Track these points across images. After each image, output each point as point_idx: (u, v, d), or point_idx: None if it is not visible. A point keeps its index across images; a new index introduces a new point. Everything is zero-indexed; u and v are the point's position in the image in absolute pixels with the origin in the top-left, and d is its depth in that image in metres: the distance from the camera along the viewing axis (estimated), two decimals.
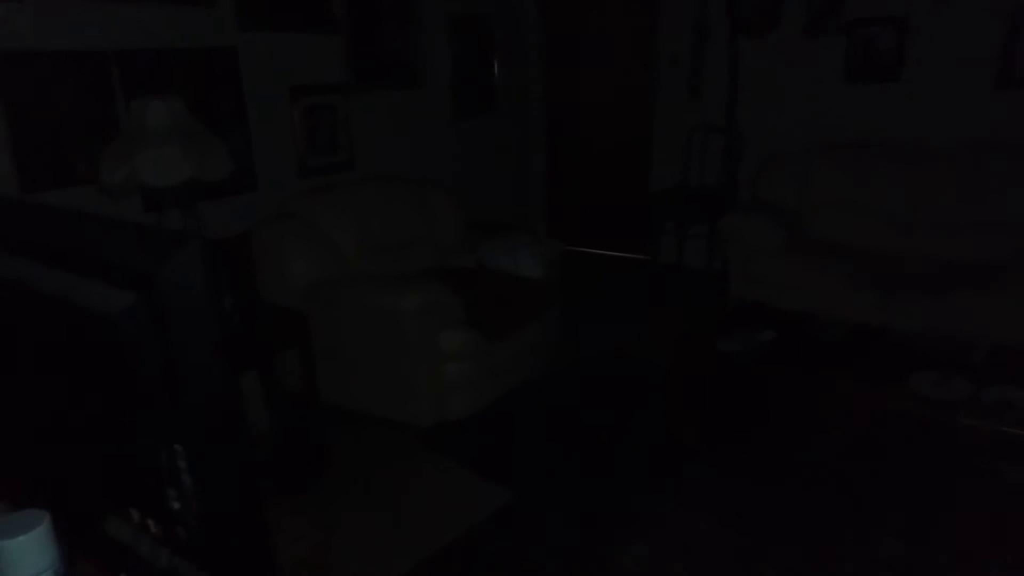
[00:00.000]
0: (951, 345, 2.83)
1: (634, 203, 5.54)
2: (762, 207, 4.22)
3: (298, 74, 3.71)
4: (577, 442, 3.08)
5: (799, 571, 2.27)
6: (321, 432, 3.01)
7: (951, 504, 2.56)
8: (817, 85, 4.49)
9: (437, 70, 4.59)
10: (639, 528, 2.49)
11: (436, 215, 3.96)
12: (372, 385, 3.20)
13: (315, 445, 2.95)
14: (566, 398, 3.49)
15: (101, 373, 0.88)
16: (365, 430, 3.20)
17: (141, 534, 0.89)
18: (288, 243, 3.28)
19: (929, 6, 4.03)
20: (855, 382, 2.65)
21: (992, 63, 3.92)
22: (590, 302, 4.74)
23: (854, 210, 4.07)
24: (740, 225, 4.03)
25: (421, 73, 4.45)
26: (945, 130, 4.05)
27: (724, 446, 3.00)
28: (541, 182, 5.92)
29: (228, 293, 2.74)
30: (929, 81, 4.12)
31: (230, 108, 3.40)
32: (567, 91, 5.72)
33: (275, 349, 3.06)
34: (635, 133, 5.46)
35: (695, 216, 4.92)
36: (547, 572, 2.31)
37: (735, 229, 4.03)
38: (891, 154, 4.02)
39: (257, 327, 2.92)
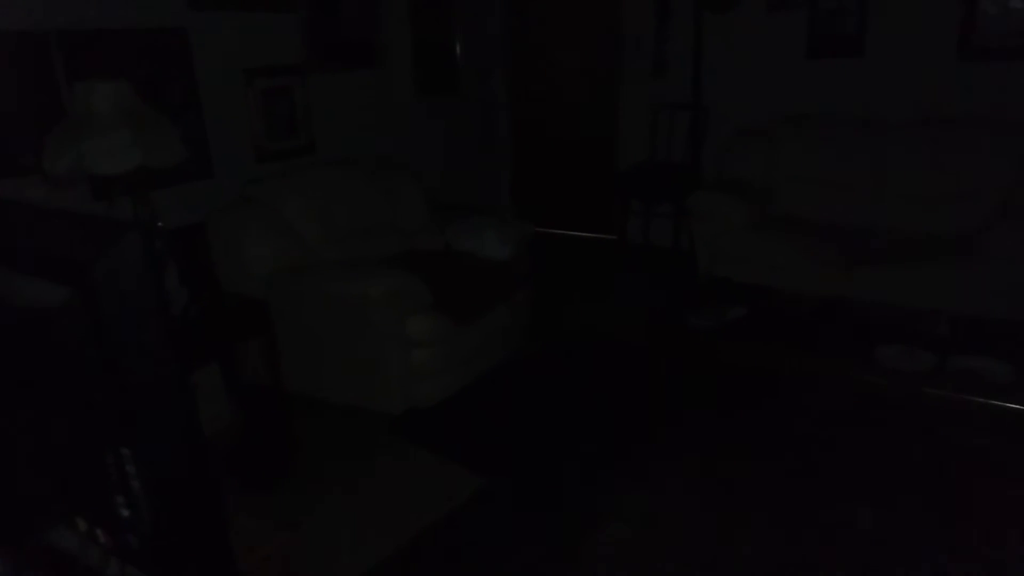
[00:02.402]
0: (917, 317, 2.86)
1: (601, 182, 5.52)
2: (729, 183, 4.22)
3: (253, 55, 3.59)
4: (549, 425, 3.06)
5: (775, 545, 2.28)
6: (287, 424, 2.94)
7: (919, 474, 2.60)
8: (781, 60, 4.49)
9: (398, 50, 4.49)
10: (614, 509, 2.49)
11: (400, 198, 3.89)
12: (339, 374, 3.13)
13: (281, 437, 2.88)
14: (537, 381, 3.46)
15: (38, 373, 0.83)
16: (333, 420, 3.13)
17: (89, 543, 0.85)
18: (248, 230, 3.19)
19: None
20: (823, 355, 2.67)
21: (953, 35, 3.95)
22: (559, 283, 4.71)
23: (820, 184, 4.10)
24: (707, 202, 4.02)
25: (381, 53, 4.35)
26: (908, 103, 4.09)
27: (696, 423, 3.00)
28: (506, 163, 5.86)
29: (185, 283, 2.65)
30: (891, 55, 4.15)
31: (182, 91, 3.28)
32: (531, 71, 5.65)
33: (237, 340, 2.98)
34: (601, 111, 5.42)
35: (662, 194, 4.91)
36: (522, 558, 2.29)
37: (702, 206, 4.03)
38: (855, 128, 4.05)
39: (217, 318, 2.83)
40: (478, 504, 2.56)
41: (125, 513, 0.76)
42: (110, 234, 0.72)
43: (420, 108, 4.77)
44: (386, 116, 4.48)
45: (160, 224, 2.60)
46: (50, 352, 0.79)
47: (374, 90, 4.36)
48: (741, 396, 3.19)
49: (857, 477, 2.60)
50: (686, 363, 3.25)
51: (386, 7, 4.31)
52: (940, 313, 2.87)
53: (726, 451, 2.80)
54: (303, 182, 3.49)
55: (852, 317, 2.98)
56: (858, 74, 4.27)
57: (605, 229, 5.60)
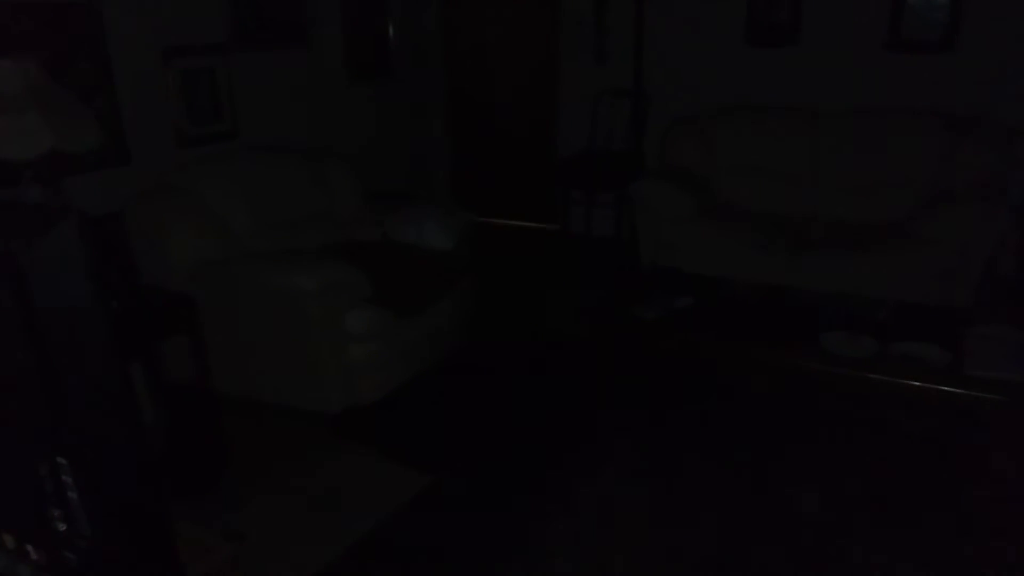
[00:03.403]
0: (858, 304, 2.91)
1: (541, 171, 5.45)
2: (670, 172, 4.22)
3: (173, 32, 3.34)
4: (495, 419, 2.99)
5: (722, 533, 2.28)
6: (218, 425, 2.77)
7: (863, 458, 2.64)
8: (721, 48, 4.51)
9: (327, 31, 4.29)
10: (561, 503, 2.44)
11: (334, 187, 3.72)
12: (274, 372, 2.97)
13: (212, 440, 2.71)
14: (481, 374, 3.38)
15: None
16: (268, 421, 2.98)
17: (17, 562, 0.76)
18: (170, 220, 2.98)
19: None
20: (769, 343, 2.68)
21: (882, 27, 4.05)
22: (502, 274, 4.64)
23: (760, 173, 4.14)
24: (649, 191, 4.01)
25: (310, 33, 4.14)
26: (841, 92, 4.17)
27: (643, 413, 2.98)
28: (444, 151, 5.73)
29: (103, 277, 2.45)
30: (825, 45, 4.22)
31: (93, 72, 3.02)
32: (468, 56, 5.53)
33: (160, 337, 2.79)
34: (540, 99, 5.35)
35: (603, 183, 4.88)
36: (471, 556, 2.22)
37: (644, 195, 4.02)
38: (792, 117, 4.10)
39: (139, 314, 2.64)
40: (424, 503, 2.47)
41: (61, 527, 0.70)
42: (42, 221, 0.63)
43: (352, 93, 4.59)
44: (316, 100, 4.29)
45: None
46: None
47: (303, 73, 4.16)
48: (688, 385, 3.18)
49: (805, 464, 2.62)
50: (632, 354, 3.22)
51: None
52: (881, 300, 2.93)
53: (674, 439, 2.79)
54: (230, 169, 3.29)
55: (795, 305, 3.02)
56: (794, 63, 4.33)
57: (547, 219, 5.54)
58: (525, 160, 5.61)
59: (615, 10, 4.73)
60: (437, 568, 2.19)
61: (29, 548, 0.76)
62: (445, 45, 5.45)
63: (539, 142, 5.44)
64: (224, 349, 2.94)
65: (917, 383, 2.39)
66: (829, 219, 3.90)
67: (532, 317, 4.01)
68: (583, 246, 5.11)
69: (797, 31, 4.28)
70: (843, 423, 2.84)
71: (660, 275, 3.38)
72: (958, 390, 2.32)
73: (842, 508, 2.37)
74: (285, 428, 2.93)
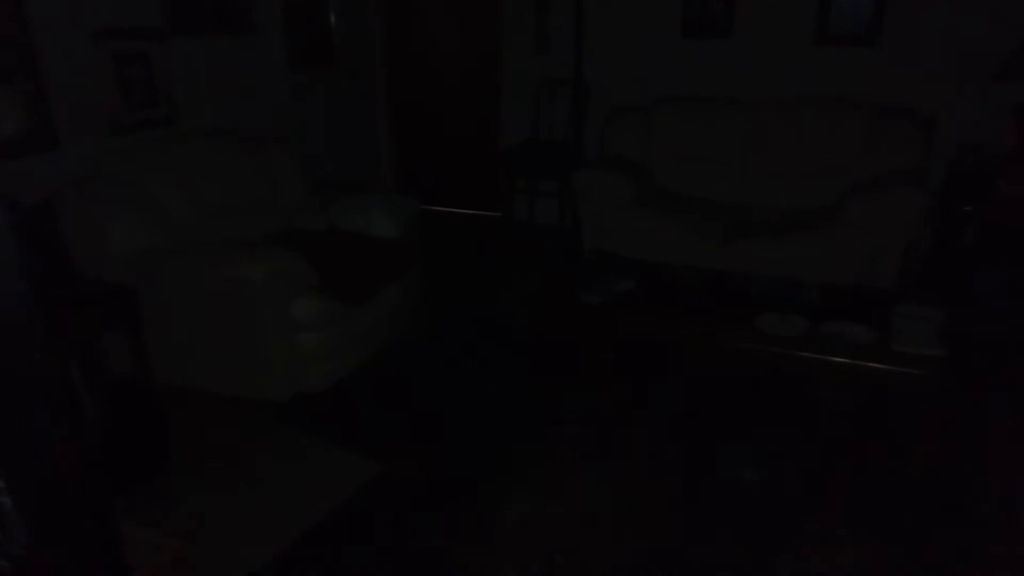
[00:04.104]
0: (790, 286, 3.04)
1: (485, 159, 5.47)
2: (611, 160, 4.30)
3: (103, 14, 3.22)
4: (446, 405, 3.01)
5: (674, 506, 2.36)
6: (160, 419, 2.71)
7: (798, 432, 2.77)
8: (658, 40, 4.61)
9: (268, 16, 4.20)
10: (516, 486, 2.48)
11: (277, 175, 3.66)
12: (218, 362, 2.92)
13: (154, 434, 2.65)
14: (431, 361, 3.39)
15: None
16: (213, 412, 2.92)
17: None
18: (106, 208, 2.88)
19: None
20: (708, 325, 2.78)
21: (810, 21, 4.22)
22: (448, 261, 4.64)
23: (697, 161, 4.26)
24: (591, 179, 4.08)
25: (250, 18, 4.05)
26: (773, 83, 4.32)
27: (590, 396, 3.06)
28: (388, 139, 5.68)
29: (35, 268, 2.35)
30: (756, 37, 4.37)
31: (17, 54, 2.89)
32: (411, 43, 5.49)
33: (98, 330, 2.70)
34: (483, 87, 5.36)
35: (546, 171, 4.94)
36: (423, 542, 2.24)
37: (586, 183, 4.09)
38: (727, 107, 4.23)
39: (75, 306, 2.55)
40: (375, 490, 2.48)
41: None
42: None
43: (294, 80, 4.51)
44: (257, 87, 4.20)
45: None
46: None
47: (243, 58, 4.07)
48: (632, 367, 3.27)
49: (744, 439, 2.74)
50: (578, 337, 3.29)
51: None
52: (811, 282, 3.08)
53: (621, 421, 2.87)
54: (168, 156, 3.20)
55: (731, 288, 3.13)
56: (728, 55, 4.47)
57: (492, 207, 5.57)
58: (469, 149, 5.62)
59: (556, 1, 4.78)
60: (391, 555, 2.20)
61: None
62: (388, 34, 5.39)
63: (483, 131, 5.46)
64: (165, 341, 2.87)
65: (846, 360, 2.53)
66: (762, 205, 4.05)
67: (479, 304, 4.04)
68: (527, 233, 5.16)
69: (730, 24, 4.41)
70: (778, 400, 2.98)
71: (603, 261, 3.45)
72: (884, 366, 2.46)
73: (781, 481, 2.49)
74: (231, 419, 2.89)
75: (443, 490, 2.48)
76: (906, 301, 2.75)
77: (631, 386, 3.13)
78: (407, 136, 5.74)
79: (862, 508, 2.34)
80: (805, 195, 3.99)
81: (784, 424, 2.83)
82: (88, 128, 3.21)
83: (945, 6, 3.89)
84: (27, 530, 0.66)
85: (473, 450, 2.70)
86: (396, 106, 5.63)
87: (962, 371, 2.86)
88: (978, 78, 3.83)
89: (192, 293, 2.84)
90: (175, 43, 3.57)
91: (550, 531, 2.27)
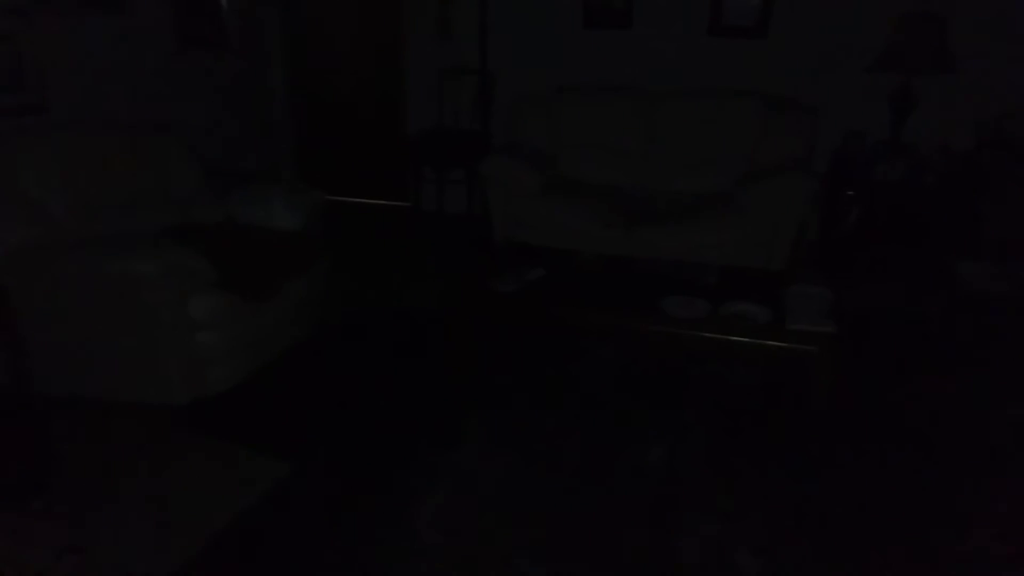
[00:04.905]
0: (692, 270, 3.15)
1: (392, 148, 5.37)
2: (518, 149, 4.32)
3: None
4: (358, 401, 2.95)
5: (586, 488, 2.40)
6: (41, 430, 2.51)
7: (703, 409, 2.88)
8: (561, 29, 4.65)
9: None
10: (432, 479, 2.46)
11: (167, 166, 3.46)
12: (110, 366, 2.74)
13: (34, 447, 2.45)
14: (341, 356, 3.31)
15: None
16: (107, 419, 2.74)
17: None
18: None
19: None
20: (615, 309, 2.84)
21: (705, 14, 4.36)
22: (356, 253, 4.54)
23: (601, 149, 4.34)
24: (498, 168, 4.08)
25: None
26: (672, 73, 4.45)
27: (503, 383, 3.07)
28: (289, 128, 5.48)
29: None
30: (655, 29, 4.48)
31: None
32: (311, 28, 5.31)
33: None
34: (387, 75, 5.25)
35: (453, 160, 4.90)
36: (334, 542, 2.19)
37: (494, 172, 4.08)
38: (629, 96, 4.33)
39: None
40: (286, 492, 2.40)
41: None
42: None
43: (184, 64, 4.27)
44: (141, 71, 3.95)
45: None
46: None
47: (123, 39, 3.81)
48: (543, 353, 3.31)
49: (650, 421, 2.82)
50: (490, 326, 3.29)
51: None
52: (711, 265, 3.19)
53: (533, 406, 2.90)
54: (41, 146, 2.96)
55: (637, 272, 3.21)
56: (628, 45, 4.56)
57: (400, 196, 5.48)
58: (374, 138, 5.50)
59: None
60: (302, 557, 2.14)
61: None
62: (285, 16, 5.19)
63: (388, 119, 5.36)
64: (48, 346, 2.67)
65: (745, 339, 2.63)
66: (665, 192, 4.17)
67: (389, 295, 3.97)
68: (437, 223, 5.12)
69: (629, 16, 4.50)
70: (684, 379, 3.09)
71: (513, 249, 3.46)
72: (781, 343, 2.58)
73: (687, 458, 2.58)
74: (126, 426, 2.72)
75: (356, 488, 2.43)
76: (798, 281, 2.89)
77: (542, 372, 3.16)
78: (309, 124, 5.56)
79: (765, 481, 2.46)
80: (704, 182, 4.14)
81: (689, 403, 2.93)
82: None
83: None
84: None
85: (386, 445, 2.66)
86: (296, 93, 5.45)
87: (851, 345, 3.04)
88: (858, 68, 4.07)
89: (79, 293, 2.65)
90: (43, 20, 3.30)
91: (465, 522, 2.27)
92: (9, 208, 2.71)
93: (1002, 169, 3.79)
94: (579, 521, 2.27)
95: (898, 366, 3.19)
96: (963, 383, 3.04)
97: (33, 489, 2.35)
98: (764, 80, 4.27)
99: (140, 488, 2.41)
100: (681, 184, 4.18)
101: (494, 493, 2.40)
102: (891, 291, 3.84)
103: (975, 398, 2.94)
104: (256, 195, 3.39)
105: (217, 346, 2.80)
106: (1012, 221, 3.76)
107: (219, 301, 2.76)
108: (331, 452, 2.61)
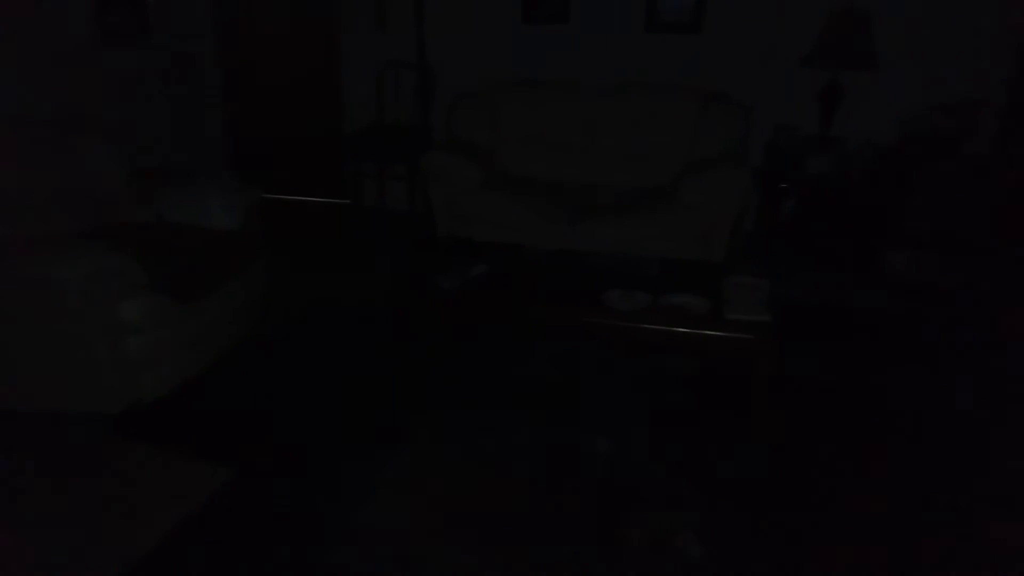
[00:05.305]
0: (632, 262, 3.19)
1: (331, 145, 5.27)
2: (459, 144, 4.29)
3: None
4: (302, 402, 2.89)
5: (533, 483, 2.41)
6: None
7: (644, 399, 2.93)
8: (500, 24, 4.64)
9: None
10: (379, 477, 2.43)
11: (89, 163, 3.30)
12: (34, 375, 2.61)
13: None
14: (284, 357, 3.24)
15: None
16: (32, 432, 2.61)
17: None
18: None
19: None
20: (558, 303, 2.85)
21: (641, 9, 4.41)
22: (295, 252, 4.44)
23: (542, 144, 4.35)
24: (439, 163, 4.05)
25: None
26: (610, 68, 4.50)
27: (449, 379, 3.05)
28: (221, 123, 5.32)
29: None
30: (592, 24, 4.52)
31: None
32: (242, 20, 5.16)
33: None
34: (326, 69, 5.15)
35: (393, 156, 4.84)
36: (279, 547, 2.14)
37: (435, 167, 4.05)
38: (568, 91, 4.35)
39: None
40: (228, 499, 2.33)
41: None
42: None
43: (107, 57, 4.09)
44: (56, 64, 3.76)
45: None
46: None
47: (34, 29, 3.62)
48: (488, 349, 3.30)
49: (595, 411, 2.85)
50: (435, 323, 3.27)
51: None
52: (651, 258, 3.24)
53: (480, 403, 2.89)
54: None
55: (579, 267, 3.23)
56: (567, 41, 4.58)
57: (339, 193, 5.39)
58: (312, 134, 5.39)
59: None
60: (246, 563, 2.08)
61: None
62: (216, 9, 5.03)
63: (326, 115, 5.26)
64: None
65: (686, 330, 2.68)
66: (605, 186, 4.21)
67: (331, 294, 3.90)
68: (378, 220, 5.05)
69: (567, 10, 4.53)
70: (626, 371, 3.13)
71: (456, 245, 3.44)
72: (720, 333, 2.64)
73: (631, 448, 2.62)
74: (56, 438, 2.60)
75: (304, 491, 2.38)
76: (735, 272, 2.96)
77: (488, 368, 3.16)
78: (244, 120, 5.41)
79: (708, 467, 2.52)
80: (644, 176, 4.19)
81: (633, 394, 2.97)
82: None
83: None
84: None
85: (333, 446, 2.61)
86: (229, 88, 5.29)
87: (786, 333, 3.13)
88: (790, 64, 4.19)
89: None
90: None
91: (415, 521, 2.25)
92: None
93: (923, 162, 3.96)
94: (526, 516, 2.28)
95: (833, 354, 3.31)
96: (898, 369, 3.17)
97: None
98: (700, 75, 4.35)
99: (72, 501, 2.30)
100: (622, 178, 4.23)
101: (441, 491, 2.39)
102: (824, 280, 3.98)
103: (911, 384, 3.07)
104: (188, 193, 3.28)
105: (151, 351, 2.70)
106: (934, 212, 3.94)
107: (150, 304, 2.66)
108: (274, 455, 2.55)
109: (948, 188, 3.89)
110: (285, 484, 2.41)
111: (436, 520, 2.25)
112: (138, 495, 2.35)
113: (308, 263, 4.35)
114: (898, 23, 4.01)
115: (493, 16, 4.63)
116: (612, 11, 4.46)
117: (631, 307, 2.80)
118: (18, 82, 3.48)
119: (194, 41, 4.95)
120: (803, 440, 2.67)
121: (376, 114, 4.95)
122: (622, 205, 3.91)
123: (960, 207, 3.90)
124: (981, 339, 3.41)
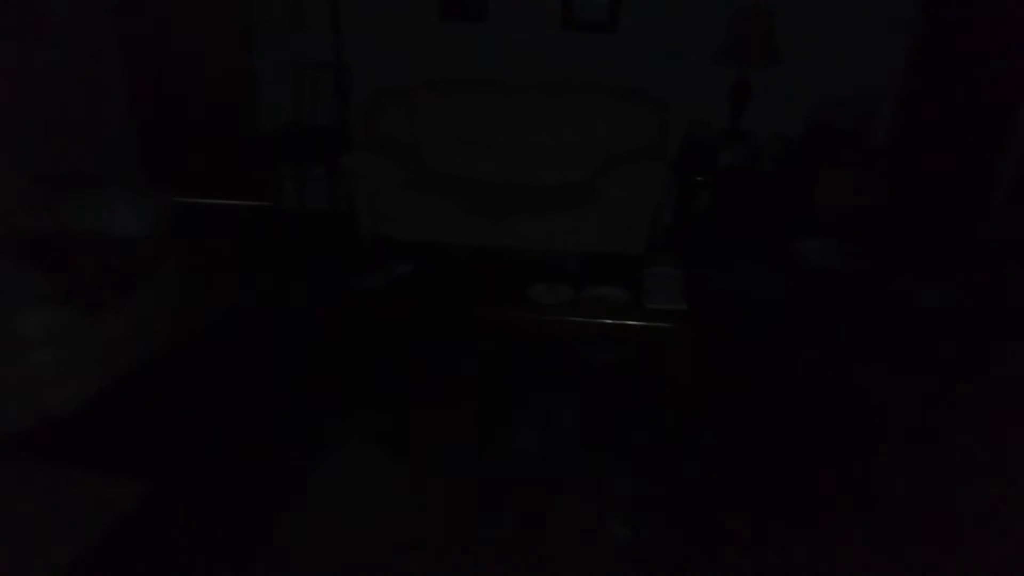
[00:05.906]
0: (555, 257, 3.23)
1: (247, 146, 5.12)
2: (379, 143, 4.25)
3: None
4: (223, 410, 2.80)
5: (463, 481, 2.42)
6: None
7: (570, 391, 2.98)
8: (417, 23, 4.62)
9: None
10: (307, 483, 2.39)
11: None
12: None
13: None
14: (202, 364, 3.13)
15: None
16: None
17: None
18: None
19: None
20: (484, 300, 2.87)
21: (557, 7, 4.47)
22: (212, 257, 4.29)
23: (463, 142, 4.35)
24: (360, 162, 4.01)
25: None
26: (528, 66, 4.54)
27: (377, 381, 3.02)
28: (126, 122, 5.08)
29: None
30: (510, 23, 4.54)
31: None
32: (149, 18, 4.94)
33: None
34: (239, 69, 4.99)
35: (312, 156, 4.75)
36: (200, 561, 2.08)
37: (357, 166, 4.00)
38: (488, 89, 4.36)
39: None
40: (145, 513, 2.25)
41: None
42: None
43: None
44: None
45: None
46: None
47: None
48: (416, 348, 3.29)
49: (522, 404, 2.88)
50: (359, 323, 3.23)
51: None
52: (573, 252, 3.29)
53: (405, 402, 2.88)
54: None
55: (503, 263, 3.25)
56: (484, 39, 4.60)
57: (258, 195, 5.24)
58: (227, 136, 5.22)
59: None
60: None
61: None
62: (119, 5, 4.80)
63: (241, 116, 5.10)
64: None
65: (607, 321, 2.74)
66: (527, 183, 4.25)
67: (253, 297, 3.80)
68: (299, 221, 4.95)
69: (485, 9, 4.54)
70: (553, 364, 3.18)
71: (380, 244, 3.41)
72: (640, 322, 2.71)
73: (555, 440, 2.66)
74: None
75: (222, 502, 2.31)
76: (654, 263, 3.05)
77: (415, 368, 3.15)
78: (154, 123, 5.19)
79: (632, 453, 2.58)
80: (565, 171, 4.25)
81: (559, 386, 3.02)
82: None
83: None
84: None
85: (257, 452, 2.55)
86: (137, 89, 5.06)
87: (702, 321, 3.24)
88: (702, 61, 4.33)
89: None
90: None
91: (340, 524, 2.22)
92: None
93: (827, 153, 4.17)
94: (455, 512, 2.29)
95: (747, 339, 3.44)
96: (809, 353, 3.32)
97: None
98: (616, 72, 4.44)
99: None
100: (543, 176, 4.27)
101: (368, 493, 2.37)
102: (738, 269, 4.13)
103: (815, 363, 3.22)
104: (93, 200, 3.13)
105: (55, 364, 2.57)
106: (838, 200, 4.15)
107: (54, 316, 2.53)
108: (193, 466, 2.47)
109: (849, 177, 4.10)
110: (208, 494, 2.34)
111: (363, 522, 2.23)
112: (45, 517, 2.23)
113: (229, 267, 4.21)
114: (799, 20, 4.19)
115: (410, 15, 4.60)
116: (529, 10, 4.50)
117: (555, 301, 2.84)
118: None
119: (95, 39, 4.71)
120: (725, 425, 2.77)
121: (293, 114, 4.84)
122: (545, 201, 3.95)
123: (860, 195, 4.12)
124: (884, 318, 3.62)
